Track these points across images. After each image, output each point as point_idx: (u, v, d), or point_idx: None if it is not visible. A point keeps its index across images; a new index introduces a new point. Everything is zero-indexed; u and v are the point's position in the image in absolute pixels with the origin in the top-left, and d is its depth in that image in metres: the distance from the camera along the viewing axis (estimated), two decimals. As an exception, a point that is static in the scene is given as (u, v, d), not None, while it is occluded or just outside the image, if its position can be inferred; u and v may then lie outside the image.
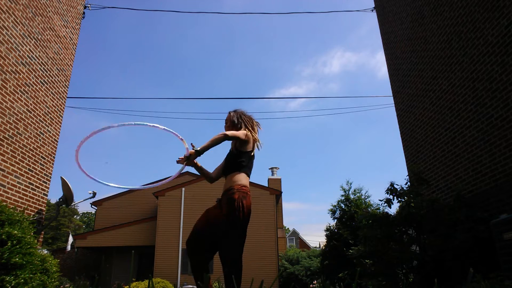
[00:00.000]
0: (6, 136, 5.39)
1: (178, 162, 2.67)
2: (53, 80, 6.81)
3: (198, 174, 3.17)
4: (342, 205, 9.67)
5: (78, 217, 48.64)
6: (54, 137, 6.79)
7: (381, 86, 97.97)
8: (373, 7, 9.90)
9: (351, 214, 9.15)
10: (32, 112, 6.11)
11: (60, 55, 7.12)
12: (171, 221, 18.15)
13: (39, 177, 6.22)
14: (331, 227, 9.71)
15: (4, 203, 3.76)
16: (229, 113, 3.10)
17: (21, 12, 5.87)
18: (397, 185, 5.52)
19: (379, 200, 5.74)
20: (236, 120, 3.02)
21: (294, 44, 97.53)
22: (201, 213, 3.15)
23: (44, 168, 6.39)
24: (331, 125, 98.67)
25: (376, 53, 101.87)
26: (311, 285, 18.34)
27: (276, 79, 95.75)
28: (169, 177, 2.76)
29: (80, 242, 18.79)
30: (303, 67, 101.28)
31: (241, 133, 2.86)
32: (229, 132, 2.78)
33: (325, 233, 9.86)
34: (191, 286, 14.58)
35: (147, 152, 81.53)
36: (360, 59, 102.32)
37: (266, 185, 22.14)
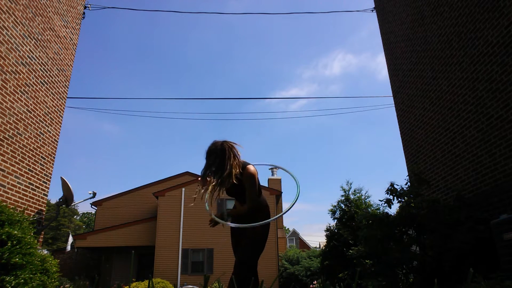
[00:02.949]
0: (6, 136, 5.39)
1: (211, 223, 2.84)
2: (53, 80, 6.81)
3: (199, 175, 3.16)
4: (342, 205, 9.67)
5: (78, 217, 48.64)
6: (54, 137, 6.79)
7: (381, 88, 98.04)
8: (373, 8, 9.90)
9: (351, 215, 9.15)
10: (32, 112, 6.11)
11: (60, 55, 7.12)
12: (171, 221, 18.16)
13: (39, 177, 6.21)
14: (331, 227, 9.71)
15: (4, 203, 3.76)
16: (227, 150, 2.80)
17: (21, 13, 5.87)
18: (397, 185, 5.52)
19: (379, 200, 5.74)
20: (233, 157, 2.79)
21: (295, 46, 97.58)
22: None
23: (44, 168, 6.39)
24: (331, 126, 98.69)
25: (376, 55, 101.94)
26: (311, 285, 18.35)
27: (277, 81, 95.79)
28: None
29: (80, 242, 18.79)
30: (304, 69, 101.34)
31: (256, 184, 2.83)
32: (253, 202, 2.78)
33: (325, 233, 9.86)
34: (191, 286, 14.58)
35: (146, 152, 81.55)
36: (360, 62, 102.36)
37: (266, 185, 22.14)
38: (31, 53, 6.12)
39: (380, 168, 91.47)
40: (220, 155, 2.73)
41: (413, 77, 7.44)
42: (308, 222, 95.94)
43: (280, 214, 3.45)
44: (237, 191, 2.86)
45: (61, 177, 7.00)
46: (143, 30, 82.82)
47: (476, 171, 5.34)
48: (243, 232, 2.83)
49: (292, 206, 2.95)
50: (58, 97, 7.00)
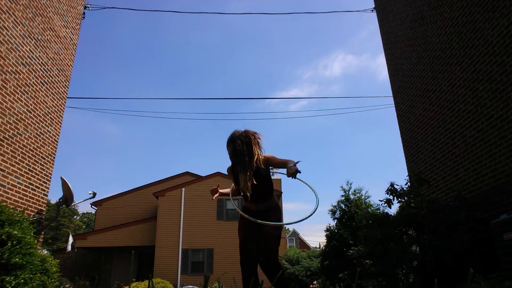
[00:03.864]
0: (6, 136, 5.39)
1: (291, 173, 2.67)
2: (53, 80, 6.81)
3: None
4: (342, 205, 9.67)
5: (78, 217, 48.64)
6: (54, 137, 6.79)
7: (382, 89, 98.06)
8: (373, 8, 9.90)
9: (351, 215, 9.15)
10: (32, 112, 6.11)
11: (60, 56, 7.12)
12: (171, 221, 18.16)
13: (39, 177, 6.22)
14: (331, 228, 9.71)
15: (4, 203, 3.76)
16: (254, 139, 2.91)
17: (21, 13, 5.88)
18: (397, 185, 5.52)
19: (379, 200, 5.74)
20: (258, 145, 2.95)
21: (295, 46, 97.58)
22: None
23: (44, 168, 6.39)
24: (332, 127, 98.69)
25: (377, 56, 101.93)
26: (311, 286, 18.34)
27: (277, 81, 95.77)
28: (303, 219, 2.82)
29: (80, 242, 18.79)
30: (305, 70, 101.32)
31: None
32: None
33: (325, 234, 9.86)
34: (191, 286, 14.59)
35: (146, 152, 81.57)
36: (361, 62, 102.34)
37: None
38: (31, 53, 6.12)
39: (380, 168, 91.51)
40: (246, 141, 2.84)
41: (413, 77, 7.44)
42: (308, 222, 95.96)
43: (302, 219, 3.15)
44: (258, 183, 2.87)
45: (61, 177, 7.01)
46: (143, 30, 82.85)
47: (476, 171, 5.34)
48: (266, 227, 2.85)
49: (313, 213, 2.87)
50: (58, 97, 7.00)
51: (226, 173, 3.20)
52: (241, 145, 2.83)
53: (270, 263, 2.82)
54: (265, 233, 2.84)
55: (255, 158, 2.82)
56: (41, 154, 6.31)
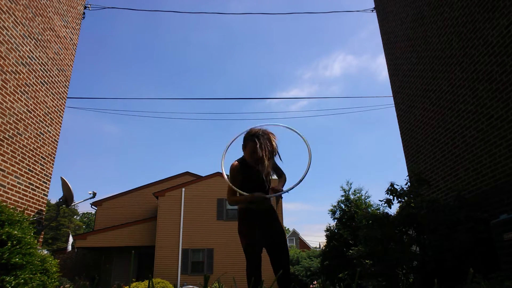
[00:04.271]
0: (6, 136, 5.39)
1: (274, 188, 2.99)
2: (53, 80, 6.81)
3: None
4: (342, 205, 9.68)
5: (78, 217, 48.64)
6: (54, 137, 6.79)
7: (382, 89, 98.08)
8: (373, 8, 9.90)
9: (351, 215, 9.16)
10: (32, 113, 6.11)
11: (60, 56, 7.12)
12: (171, 221, 18.15)
13: (39, 177, 6.21)
14: (331, 228, 9.72)
15: (4, 203, 3.76)
16: (271, 138, 3.06)
17: (21, 13, 5.88)
18: (397, 185, 5.52)
19: (379, 200, 5.75)
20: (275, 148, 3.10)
21: (295, 47, 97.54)
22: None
23: (44, 168, 6.39)
24: (332, 127, 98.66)
25: (377, 57, 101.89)
26: (311, 286, 18.34)
27: (278, 81, 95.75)
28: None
29: (80, 243, 18.79)
30: (305, 70, 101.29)
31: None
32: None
33: (325, 234, 9.88)
34: (191, 286, 14.59)
35: (146, 152, 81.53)
36: (361, 63, 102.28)
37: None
38: (31, 53, 6.12)
39: (380, 168, 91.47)
40: (266, 137, 3.01)
41: (413, 77, 7.44)
42: (308, 222, 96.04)
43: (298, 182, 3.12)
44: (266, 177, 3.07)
45: (61, 177, 7.01)
46: (143, 30, 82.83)
47: (476, 171, 5.34)
48: (276, 232, 3.03)
49: (305, 175, 2.98)
50: (58, 97, 7.00)
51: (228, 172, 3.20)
52: (264, 140, 3.01)
53: (286, 275, 2.96)
54: (282, 242, 3.01)
55: (276, 150, 3.01)
56: (41, 154, 6.31)
